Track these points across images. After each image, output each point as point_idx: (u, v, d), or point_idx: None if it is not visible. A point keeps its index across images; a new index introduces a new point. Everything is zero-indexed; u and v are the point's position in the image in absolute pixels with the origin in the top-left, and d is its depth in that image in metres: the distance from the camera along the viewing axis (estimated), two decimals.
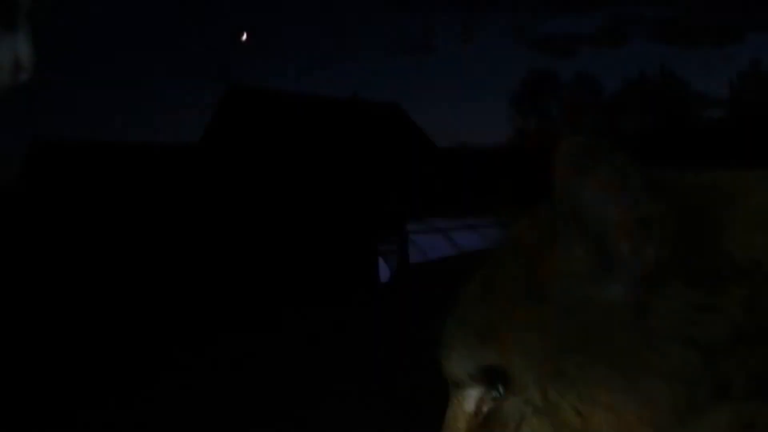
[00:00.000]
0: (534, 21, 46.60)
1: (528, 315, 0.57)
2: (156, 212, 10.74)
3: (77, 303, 7.27)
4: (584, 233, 0.58)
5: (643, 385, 0.52)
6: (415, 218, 11.93)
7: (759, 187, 0.63)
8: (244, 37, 21.54)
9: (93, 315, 6.48)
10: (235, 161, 11.74)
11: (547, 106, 28.81)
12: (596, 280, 0.57)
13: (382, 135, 13.75)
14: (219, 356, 3.45)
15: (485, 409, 0.63)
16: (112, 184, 11.00)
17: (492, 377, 0.61)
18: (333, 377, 2.84)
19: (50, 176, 11.14)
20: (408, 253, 11.48)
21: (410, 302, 4.64)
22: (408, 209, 11.64)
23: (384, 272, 10.82)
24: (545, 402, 0.56)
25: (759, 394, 0.52)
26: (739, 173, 0.64)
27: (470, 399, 0.65)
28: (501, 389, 0.60)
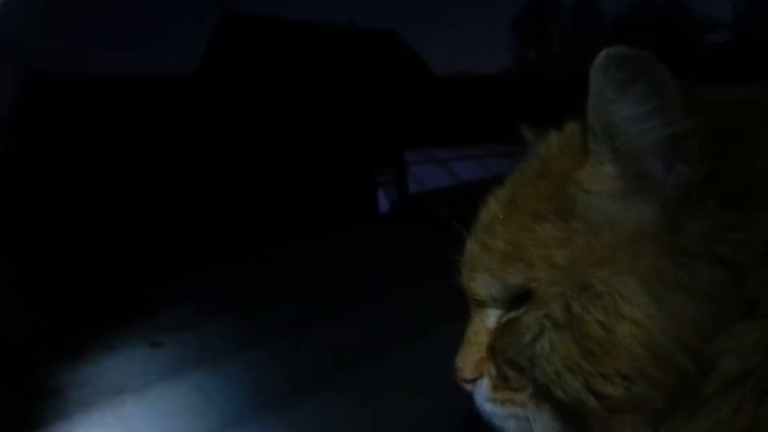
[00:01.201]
0: None
1: (555, 231, 0.55)
2: (150, 146, 10.64)
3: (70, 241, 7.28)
4: (617, 150, 0.55)
5: (671, 301, 0.51)
6: (413, 148, 11.86)
7: None
8: None
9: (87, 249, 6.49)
10: (232, 92, 11.56)
11: (548, 33, 28.25)
12: (628, 198, 0.55)
13: (379, 63, 13.51)
14: (210, 289, 3.44)
15: (504, 321, 0.63)
16: (104, 119, 10.86)
17: (514, 296, 0.59)
18: (329, 305, 2.85)
19: (47, 110, 10.97)
20: (407, 183, 11.47)
21: (410, 232, 4.65)
22: (406, 139, 11.55)
23: (383, 203, 10.84)
24: (568, 315, 0.54)
25: None
26: None
27: (492, 317, 0.65)
28: (522, 306, 0.59)
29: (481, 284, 0.61)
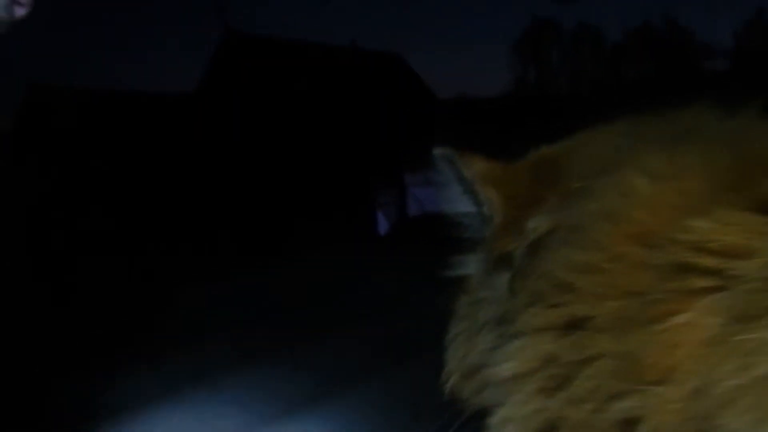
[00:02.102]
0: None
1: None
2: (148, 162, 10.68)
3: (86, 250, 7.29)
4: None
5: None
6: (412, 170, 11.91)
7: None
8: None
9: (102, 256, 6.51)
10: (232, 110, 11.63)
11: (549, 54, 28.48)
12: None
13: (381, 85, 13.61)
14: (210, 307, 3.44)
15: None
16: (103, 133, 10.92)
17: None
18: (332, 322, 2.86)
19: (44, 121, 11.04)
20: (406, 205, 11.49)
21: (409, 253, 4.65)
22: (406, 161, 11.60)
23: (382, 224, 10.85)
24: None
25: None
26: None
27: None
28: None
29: None
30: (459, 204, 0.76)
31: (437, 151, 0.74)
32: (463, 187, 0.74)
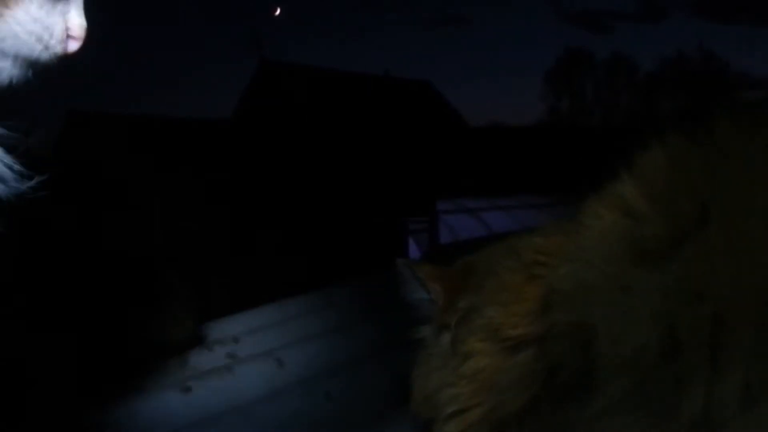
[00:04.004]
0: None
1: None
2: (185, 188, 10.83)
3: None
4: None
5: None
6: (445, 198, 11.89)
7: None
8: (277, 12, 21.54)
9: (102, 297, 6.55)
10: (267, 137, 11.77)
11: (582, 85, 28.36)
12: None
13: (414, 113, 13.69)
14: (241, 335, 3.43)
15: None
16: (143, 158, 11.12)
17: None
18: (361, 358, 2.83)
19: (85, 147, 11.29)
20: (438, 232, 11.46)
21: None
22: (438, 188, 11.61)
23: (414, 252, 10.82)
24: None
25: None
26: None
27: None
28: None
29: None
30: (417, 293, 1.14)
31: (400, 261, 1.15)
32: (419, 283, 1.13)
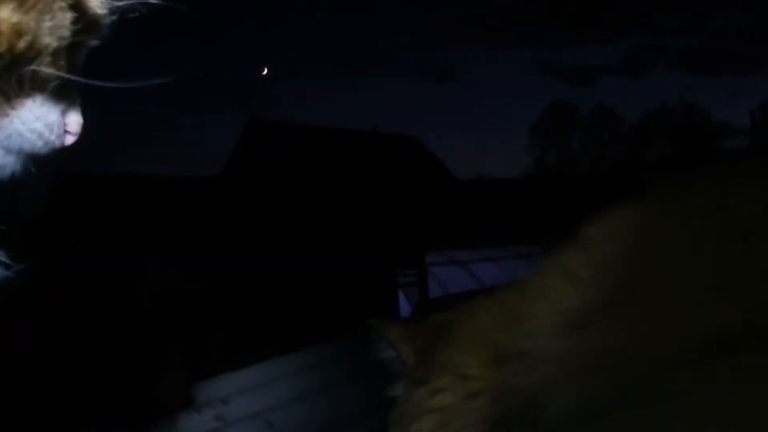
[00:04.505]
0: (558, 49, 46.70)
1: None
2: (174, 244, 10.81)
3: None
4: None
5: None
6: (434, 251, 11.91)
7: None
8: (264, 71, 21.93)
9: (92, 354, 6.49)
10: (255, 194, 11.84)
11: (567, 137, 28.81)
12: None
13: (401, 168, 13.84)
14: (230, 395, 3.41)
15: None
16: (130, 217, 11.12)
17: None
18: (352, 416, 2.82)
19: (75, 207, 11.27)
20: (428, 286, 11.44)
21: None
22: (427, 241, 11.63)
23: (405, 305, 10.79)
24: None
25: None
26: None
27: None
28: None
29: None
30: (387, 352, 1.20)
31: (372, 321, 1.22)
32: (389, 343, 1.19)
